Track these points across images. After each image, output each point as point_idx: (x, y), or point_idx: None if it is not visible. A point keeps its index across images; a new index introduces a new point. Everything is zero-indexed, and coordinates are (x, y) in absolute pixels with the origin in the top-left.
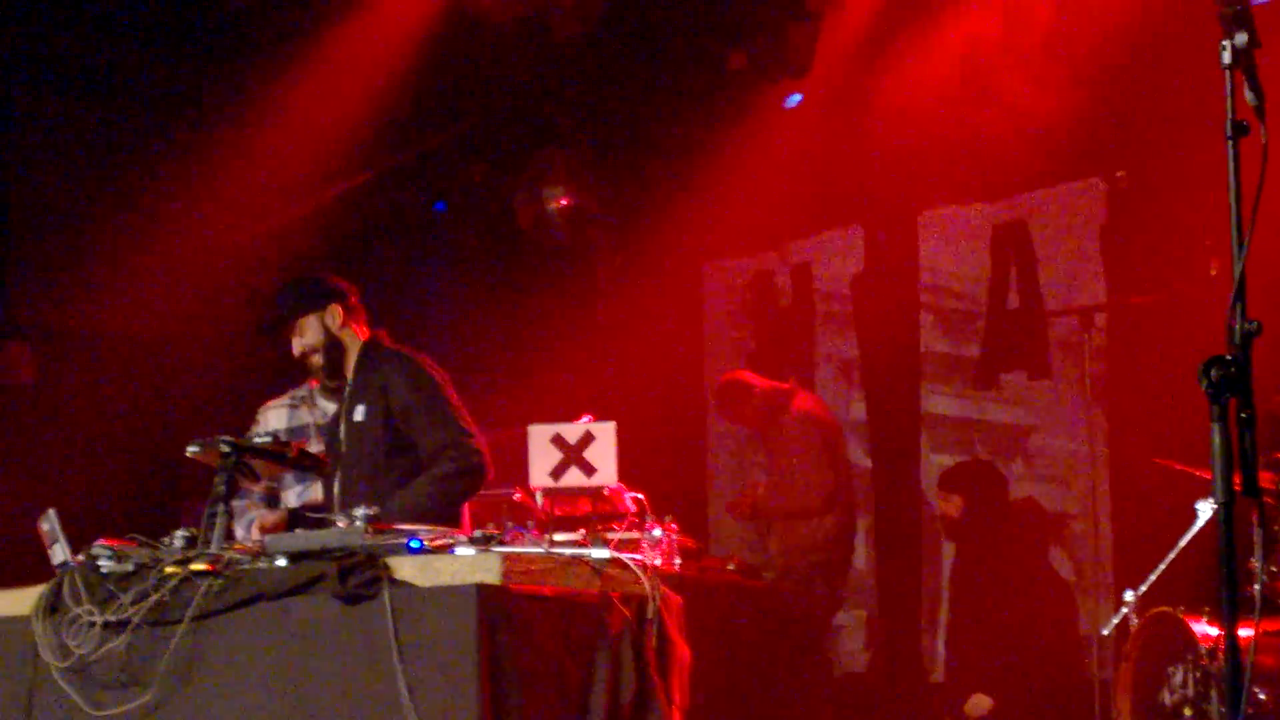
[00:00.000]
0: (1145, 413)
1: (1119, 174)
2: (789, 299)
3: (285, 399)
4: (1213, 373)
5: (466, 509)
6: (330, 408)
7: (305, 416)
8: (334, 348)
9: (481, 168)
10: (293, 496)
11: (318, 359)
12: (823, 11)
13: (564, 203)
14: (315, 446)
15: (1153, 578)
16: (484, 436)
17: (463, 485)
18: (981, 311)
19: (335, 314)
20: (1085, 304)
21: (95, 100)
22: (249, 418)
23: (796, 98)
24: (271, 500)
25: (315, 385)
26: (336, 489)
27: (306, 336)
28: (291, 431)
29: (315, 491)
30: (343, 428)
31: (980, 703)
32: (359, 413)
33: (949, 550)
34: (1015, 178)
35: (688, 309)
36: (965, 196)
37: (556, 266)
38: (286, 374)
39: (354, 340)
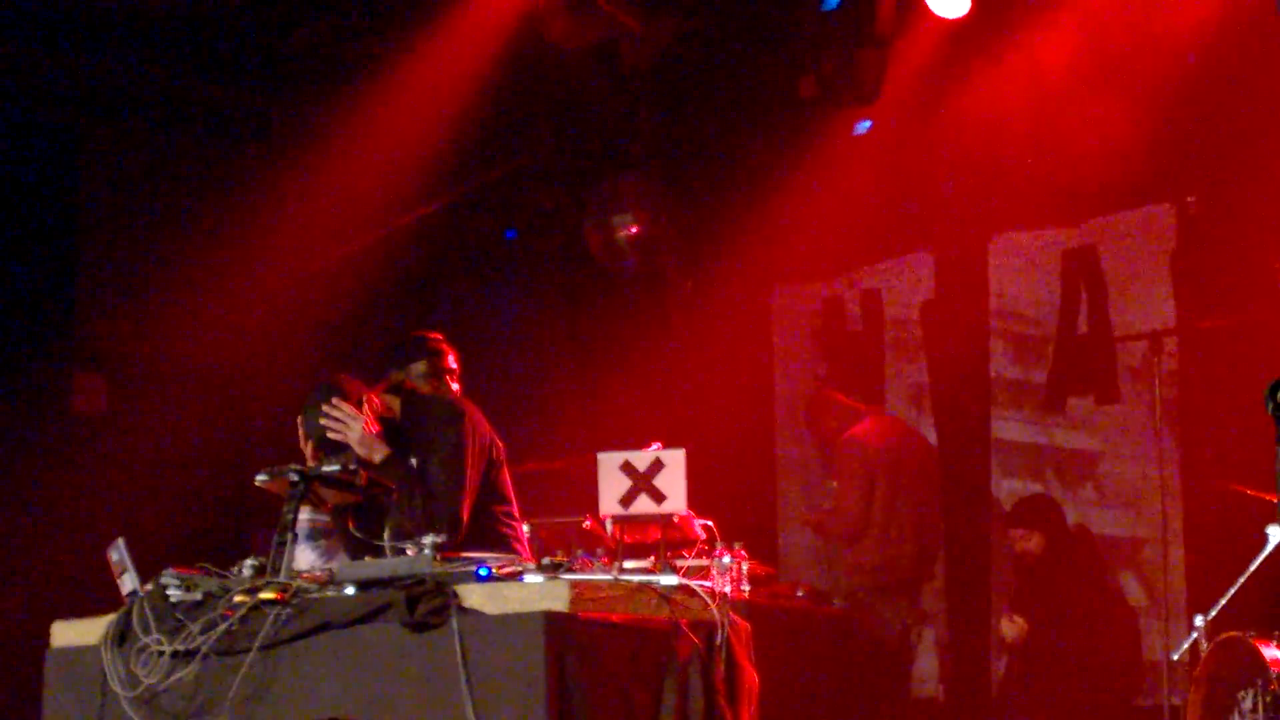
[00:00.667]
0: (1216, 438)
1: (1189, 199)
2: (859, 325)
3: None
4: (1279, 395)
5: (525, 537)
6: None
7: None
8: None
9: (552, 195)
10: None
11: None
12: (892, 37)
13: (634, 230)
14: None
15: (1223, 602)
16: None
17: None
18: (1051, 336)
19: (423, 366)
20: (1155, 329)
21: (166, 130)
22: None
23: (866, 124)
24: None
25: None
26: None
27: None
28: None
29: None
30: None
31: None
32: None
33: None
34: (1084, 203)
35: (757, 335)
36: (1035, 222)
37: (627, 293)
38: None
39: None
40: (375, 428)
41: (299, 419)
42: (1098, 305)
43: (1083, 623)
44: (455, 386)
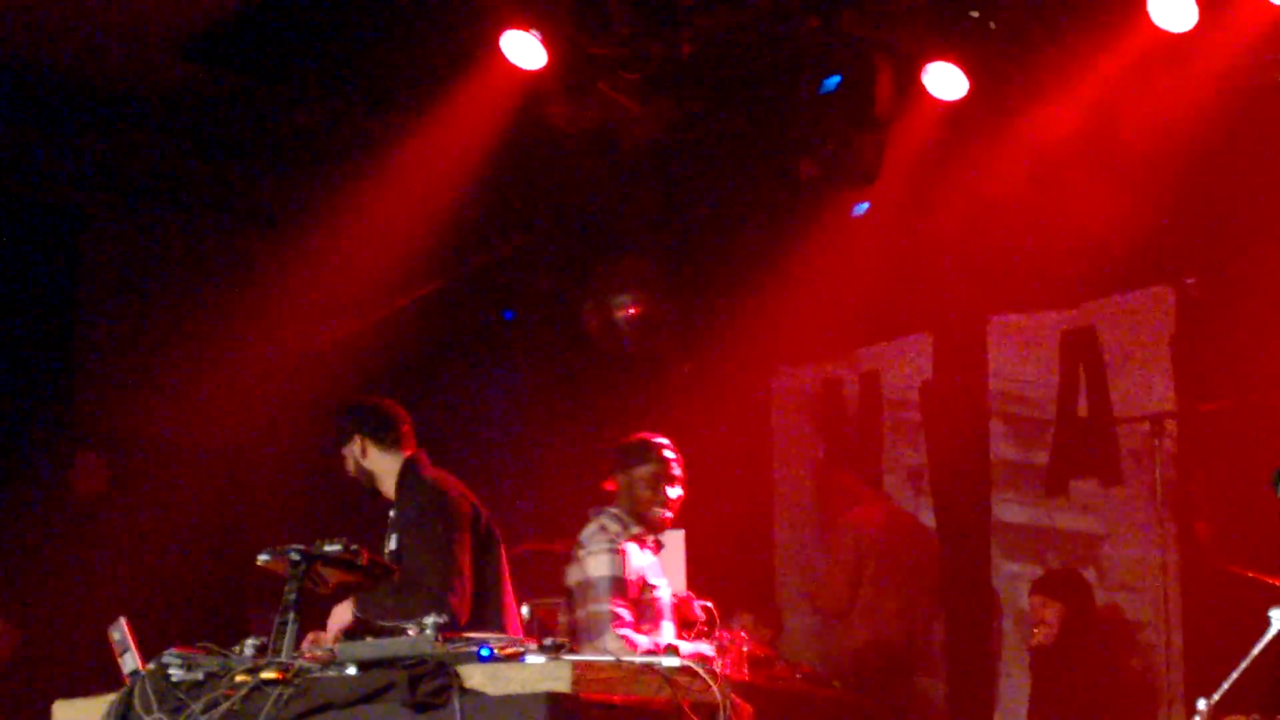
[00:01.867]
0: (1217, 519)
1: (1188, 281)
2: (857, 407)
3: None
4: None
5: (515, 612)
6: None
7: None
8: (366, 476)
9: (549, 276)
10: None
11: (364, 484)
12: (891, 119)
13: (632, 311)
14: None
15: (1226, 686)
16: (468, 583)
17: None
18: (1051, 418)
19: (356, 445)
20: (1155, 411)
21: (166, 209)
22: (317, 525)
23: (864, 205)
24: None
25: None
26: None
27: (346, 464)
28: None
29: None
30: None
31: None
32: (392, 542)
33: (1025, 656)
34: (1083, 284)
35: (756, 417)
36: (1033, 303)
37: (624, 375)
38: (358, 482)
39: (390, 463)
40: None
41: None
42: (1097, 387)
43: (1095, 704)
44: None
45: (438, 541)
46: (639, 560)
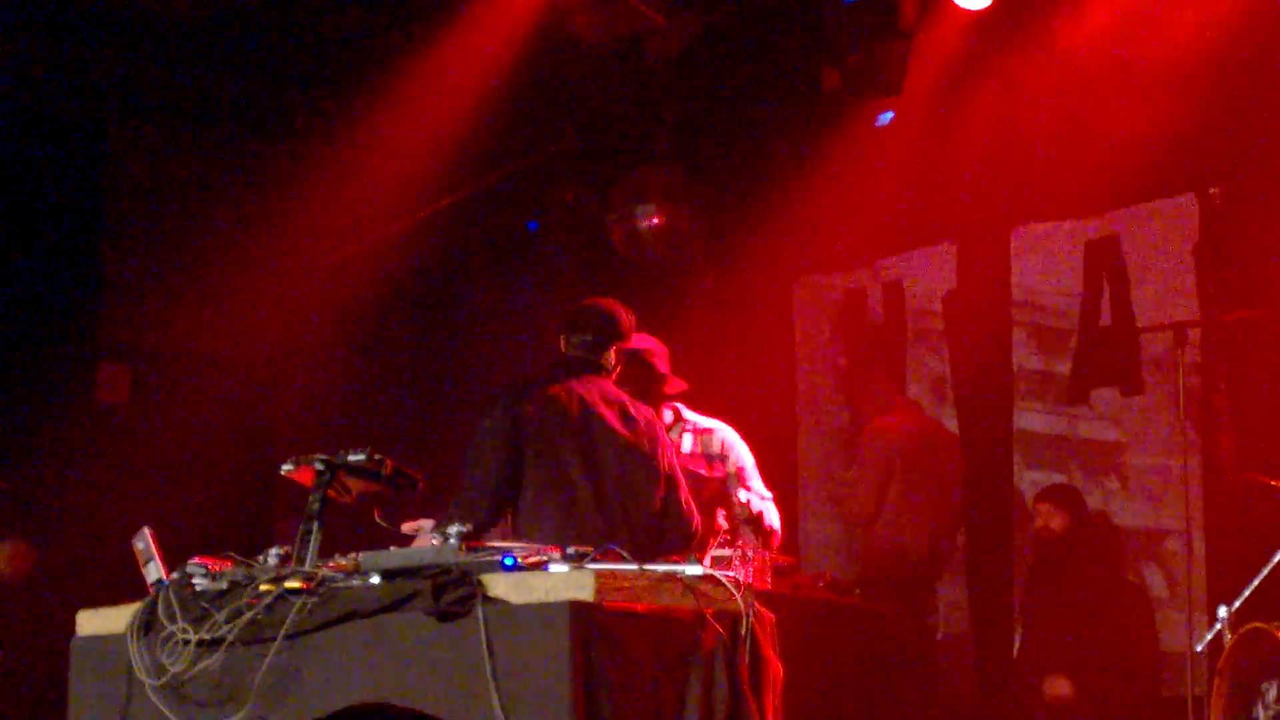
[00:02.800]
0: (1239, 429)
1: (1212, 190)
2: (881, 316)
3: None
4: None
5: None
6: None
7: None
8: None
9: (574, 187)
10: None
11: None
12: (915, 29)
13: (656, 221)
14: None
15: (1246, 593)
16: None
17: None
18: (1074, 328)
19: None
20: (1178, 320)
21: (191, 123)
22: (341, 435)
23: (888, 115)
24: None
25: None
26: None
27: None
28: None
29: None
30: None
31: (1057, 686)
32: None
33: (1047, 565)
34: (1107, 194)
35: (779, 327)
36: (1057, 213)
37: (649, 285)
38: (381, 392)
39: None
40: None
41: None
42: (1120, 296)
43: (1102, 613)
44: None
45: (467, 468)
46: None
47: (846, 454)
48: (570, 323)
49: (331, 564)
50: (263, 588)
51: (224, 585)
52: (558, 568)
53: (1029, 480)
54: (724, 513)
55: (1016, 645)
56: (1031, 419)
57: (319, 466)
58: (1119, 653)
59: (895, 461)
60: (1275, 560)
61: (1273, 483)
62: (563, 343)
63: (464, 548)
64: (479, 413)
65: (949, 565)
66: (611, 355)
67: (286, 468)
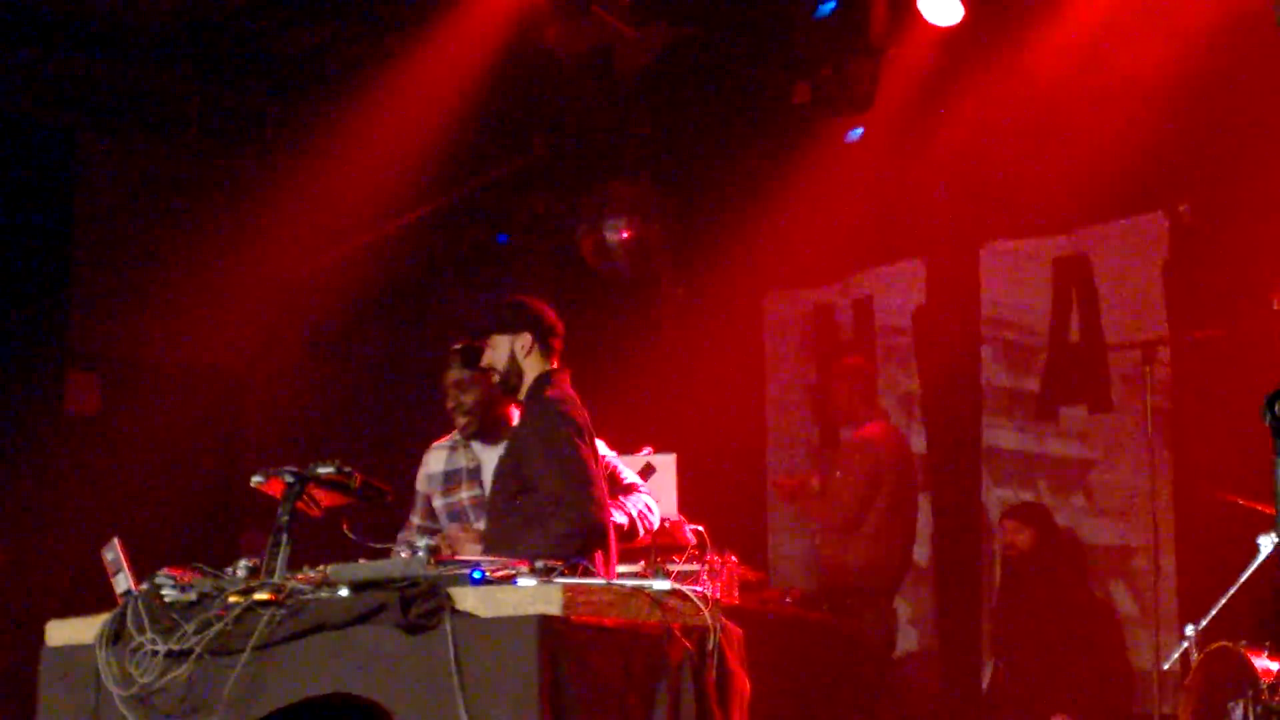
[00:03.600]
0: (1208, 447)
1: (1181, 208)
2: (850, 332)
3: (446, 441)
4: (1276, 407)
5: (601, 558)
6: (483, 452)
7: (460, 460)
8: (514, 374)
9: (544, 200)
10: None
11: (496, 377)
12: (886, 45)
13: (626, 235)
14: (463, 493)
15: (1214, 612)
16: (600, 494)
17: (576, 546)
18: (1043, 345)
19: (524, 342)
20: (1147, 338)
21: (161, 132)
22: (309, 447)
23: (858, 131)
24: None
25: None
26: (483, 525)
27: (494, 353)
28: (446, 475)
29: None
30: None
31: None
32: (503, 448)
33: (1013, 582)
34: (1076, 211)
35: (749, 341)
36: (1026, 229)
37: (618, 298)
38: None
39: (533, 374)
40: None
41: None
42: (1089, 313)
43: (1069, 631)
44: None
45: (565, 462)
46: (436, 466)
47: (817, 465)
48: (552, 327)
49: (300, 576)
50: (231, 599)
51: (193, 597)
52: (526, 581)
53: (996, 497)
54: (692, 529)
55: (987, 675)
56: (1000, 436)
57: (288, 479)
58: (1086, 671)
59: (883, 473)
60: (1242, 579)
61: (1241, 501)
62: (540, 344)
63: (433, 561)
64: (564, 420)
65: (918, 579)
66: None
67: (256, 479)
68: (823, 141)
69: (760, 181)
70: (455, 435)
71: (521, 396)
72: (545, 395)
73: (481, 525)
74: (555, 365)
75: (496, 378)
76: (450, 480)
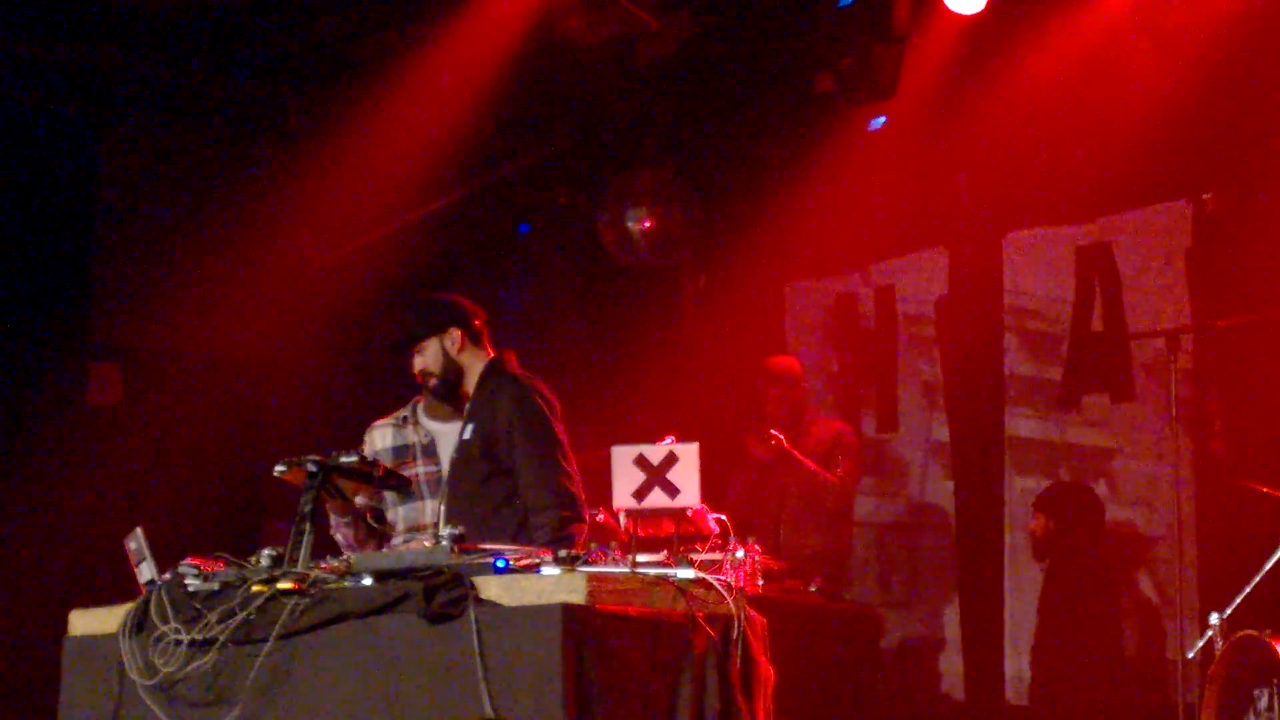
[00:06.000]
0: (1231, 435)
1: (1205, 196)
2: (872, 321)
3: (391, 419)
4: None
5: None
6: (434, 427)
7: (410, 436)
8: (451, 371)
9: (565, 190)
10: (399, 517)
11: (434, 381)
12: (909, 33)
13: (648, 225)
14: (419, 468)
15: (1238, 600)
16: (578, 473)
17: (567, 533)
18: (1065, 334)
19: (454, 338)
20: (1170, 327)
21: (182, 123)
22: (333, 437)
23: (881, 120)
24: (377, 518)
25: (420, 403)
26: (442, 508)
27: (426, 358)
28: (396, 451)
29: (421, 512)
30: (453, 446)
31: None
32: (468, 431)
33: (1035, 572)
34: (1100, 200)
35: (771, 331)
36: (1049, 218)
37: (640, 288)
38: (375, 393)
39: (475, 362)
40: None
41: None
42: (1112, 302)
43: (1098, 620)
44: None
45: (548, 452)
46: (383, 442)
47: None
48: (473, 315)
49: (323, 565)
50: (255, 588)
51: (216, 586)
52: (550, 570)
53: (1019, 486)
54: (714, 519)
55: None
56: (1022, 425)
57: (312, 469)
58: (1111, 659)
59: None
60: (1267, 567)
61: (1264, 489)
62: (469, 335)
63: (456, 549)
64: (542, 406)
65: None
66: None
67: (279, 469)
68: (845, 131)
69: (782, 171)
70: (402, 412)
71: (470, 389)
72: (514, 375)
73: (436, 502)
74: (494, 351)
75: (434, 381)
76: (400, 455)
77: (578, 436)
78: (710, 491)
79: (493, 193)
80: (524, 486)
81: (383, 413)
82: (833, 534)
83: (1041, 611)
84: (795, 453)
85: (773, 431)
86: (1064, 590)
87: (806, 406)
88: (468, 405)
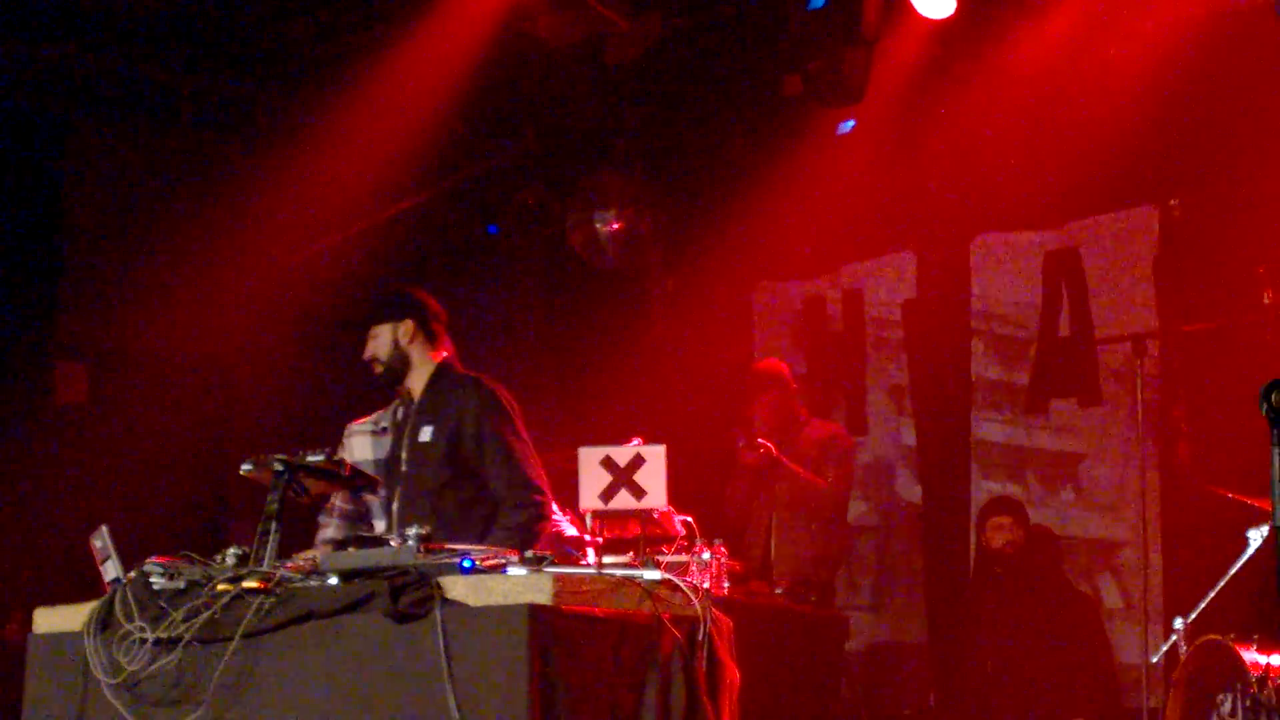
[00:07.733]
0: (1197, 441)
1: (1172, 202)
2: (840, 324)
3: (369, 423)
4: (1273, 397)
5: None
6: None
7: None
8: (397, 361)
9: (534, 191)
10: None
11: (380, 369)
12: (878, 37)
13: (616, 226)
14: None
15: (1203, 605)
16: (544, 470)
17: (535, 536)
18: (1033, 338)
19: (407, 329)
20: (1137, 331)
21: (150, 122)
22: (299, 436)
23: (850, 123)
24: (360, 519)
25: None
26: (396, 509)
27: (377, 343)
28: (377, 465)
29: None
30: (405, 447)
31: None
32: (425, 434)
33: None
34: (1067, 204)
35: (739, 333)
36: (1017, 223)
37: (608, 289)
38: (341, 393)
39: (424, 359)
40: None
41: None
42: (1079, 307)
43: (1055, 624)
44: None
45: (515, 452)
46: (364, 453)
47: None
48: (435, 313)
49: (289, 564)
50: (220, 587)
51: (182, 584)
52: (516, 570)
53: (985, 490)
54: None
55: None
56: (989, 429)
57: (278, 467)
58: (1073, 664)
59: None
60: (1231, 572)
61: (1229, 494)
62: (424, 330)
63: (423, 550)
64: (508, 407)
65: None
66: None
67: (246, 468)
68: (814, 133)
69: (751, 173)
70: (382, 422)
71: (415, 387)
72: (475, 378)
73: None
74: (445, 353)
75: (380, 368)
76: (382, 469)
77: (544, 437)
78: (678, 493)
79: (461, 194)
80: (497, 483)
81: (349, 413)
82: (825, 540)
83: (1003, 616)
84: (784, 460)
85: (760, 440)
86: (1026, 595)
87: (799, 408)
88: (415, 404)
